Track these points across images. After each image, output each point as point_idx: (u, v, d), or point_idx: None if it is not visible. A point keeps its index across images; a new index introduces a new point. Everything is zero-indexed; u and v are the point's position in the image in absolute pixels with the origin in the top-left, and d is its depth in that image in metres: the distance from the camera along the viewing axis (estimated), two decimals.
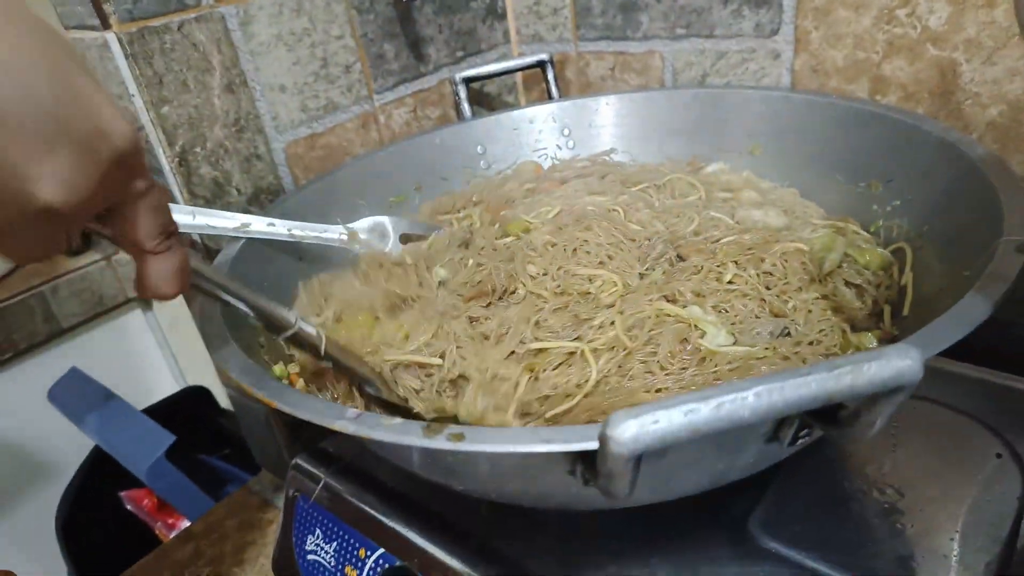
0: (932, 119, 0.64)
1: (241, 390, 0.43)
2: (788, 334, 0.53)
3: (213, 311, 0.52)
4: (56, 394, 0.96)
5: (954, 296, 0.41)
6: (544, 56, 0.90)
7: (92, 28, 0.62)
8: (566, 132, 0.88)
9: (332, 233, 0.70)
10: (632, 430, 0.27)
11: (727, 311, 0.55)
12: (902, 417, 0.58)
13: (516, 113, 0.87)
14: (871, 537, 0.49)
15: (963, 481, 0.52)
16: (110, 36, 0.61)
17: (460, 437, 0.35)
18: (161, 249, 0.35)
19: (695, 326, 0.53)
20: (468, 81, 0.89)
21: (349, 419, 0.37)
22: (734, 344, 0.52)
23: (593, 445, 0.30)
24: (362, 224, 0.74)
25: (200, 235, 0.69)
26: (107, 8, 0.60)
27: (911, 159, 0.62)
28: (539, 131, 0.88)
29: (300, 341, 0.49)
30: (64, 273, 1.01)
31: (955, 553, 0.47)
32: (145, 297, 0.35)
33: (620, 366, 0.51)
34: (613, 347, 0.53)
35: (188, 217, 0.61)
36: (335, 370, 0.53)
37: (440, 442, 0.35)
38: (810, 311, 0.55)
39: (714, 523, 0.52)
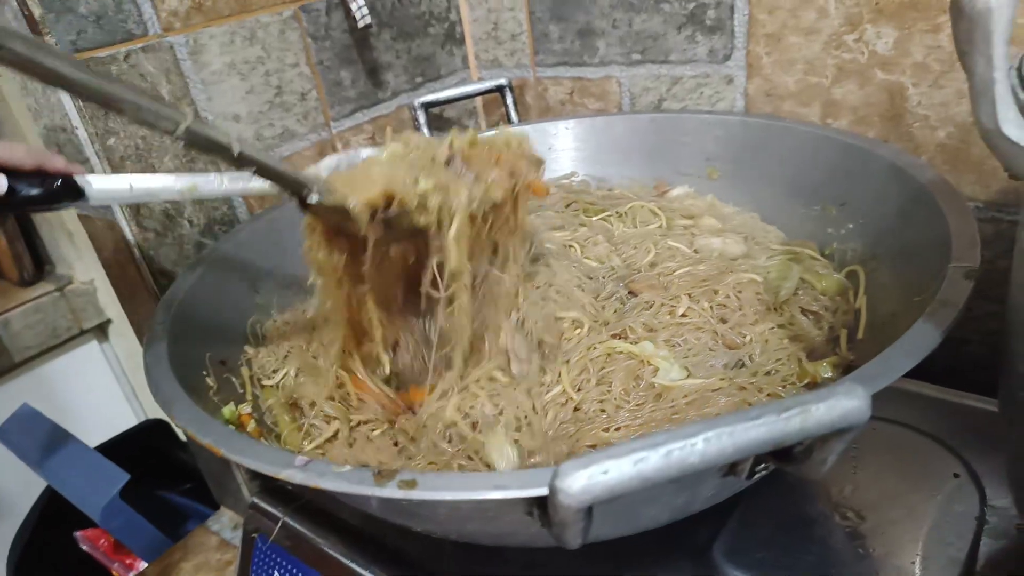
0: (884, 142, 0.65)
1: (187, 435, 0.42)
2: (743, 365, 0.53)
3: (160, 351, 0.50)
4: (6, 433, 0.92)
5: (907, 320, 0.41)
6: (503, 81, 0.89)
7: None
8: None
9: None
10: (581, 481, 0.27)
11: (680, 345, 0.55)
12: (861, 439, 0.58)
13: None
14: (834, 562, 0.49)
15: (923, 502, 0.53)
16: None
17: (412, 484, 0.34)
18: None
19: (647, 362, 0.53)
20: (427, 106, 0.88)
21: (297, 467, 0.36)
22: (687, 378, 0.52)
23: (544, 491, 0.30)
24: (324, 163, 0.56)
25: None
26: (48, 40, 0.59)
27: (864, 183, 0.63)
28: None
29: (202, 141, 0.40)
30: (16, 305, 0.97)
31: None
32: None
33: (576, 408, 0.51)
34: (565, 402, 0.53)
35: (124, 186, 0.47)
36: (261, 175, 0.44)
37: (391, 490, 0.34)
38: (767, 341, 0.55)
39: (678, 552, 0.51)
